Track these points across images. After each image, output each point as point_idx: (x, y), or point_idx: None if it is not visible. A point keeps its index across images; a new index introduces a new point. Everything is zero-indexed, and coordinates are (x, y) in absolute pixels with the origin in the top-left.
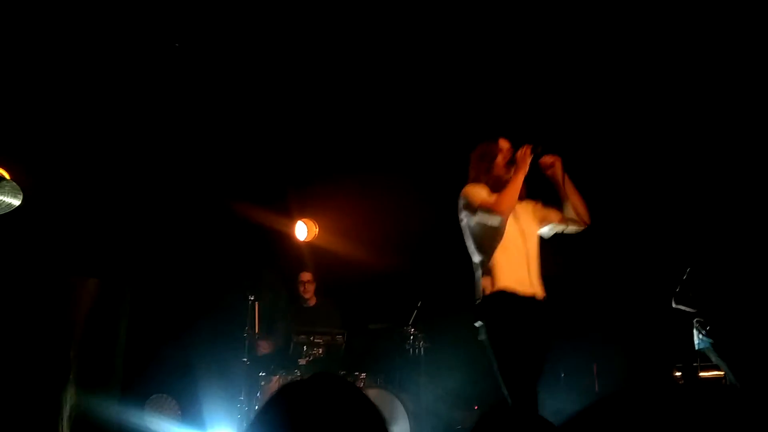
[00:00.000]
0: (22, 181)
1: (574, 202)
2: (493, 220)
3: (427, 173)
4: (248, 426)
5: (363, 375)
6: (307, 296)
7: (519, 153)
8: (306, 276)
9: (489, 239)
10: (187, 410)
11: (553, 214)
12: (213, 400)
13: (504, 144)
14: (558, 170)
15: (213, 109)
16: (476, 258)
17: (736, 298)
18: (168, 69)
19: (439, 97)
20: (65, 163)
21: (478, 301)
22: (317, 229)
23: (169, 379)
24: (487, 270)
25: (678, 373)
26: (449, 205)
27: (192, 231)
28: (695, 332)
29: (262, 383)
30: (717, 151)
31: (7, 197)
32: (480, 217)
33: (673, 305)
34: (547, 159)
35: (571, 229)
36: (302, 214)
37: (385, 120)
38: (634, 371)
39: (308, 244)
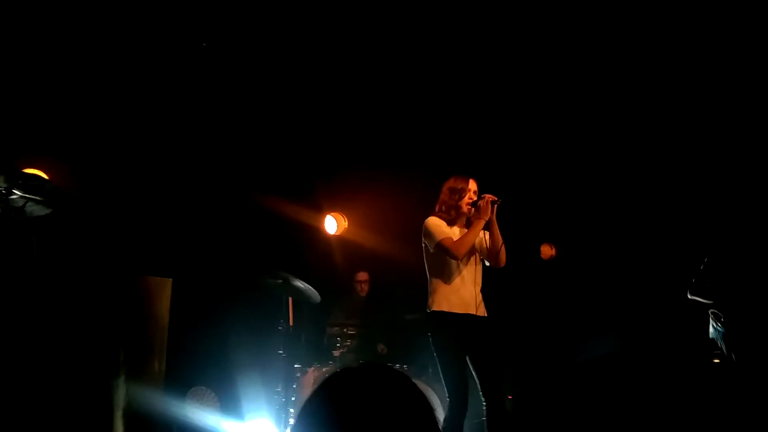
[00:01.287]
0: (63, 181)
1: (494, 245)
2: (451, 257)
3: (455, 164)
4: (298, 413)
5: (396, 366)
6: (363, 294)
7: (482, 202)
8: (363, 276)
9: (441, 267)
10: (225, 402)
11: (484, 248)
12: (251, 392)
13: (473, 185)
14: (489, 212)
15: (244, 105)
16: (428, 276)
17: (753, 290)
18: (199, 67)
19: (467, 89)
20: (104, 163)
21: (426, 312)
22: (347, 223)
23: (208, 372)
24: (433, 290)
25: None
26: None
27: (227, 226)
28: (711, 322)
29: (298, 375)
30: (733, 144)
31: (49, 198)
32: (439, 250)
33: (689, 296)
34: (486, 199)
35: (489, 263)
36: (331, 208)
37: (415, 112)
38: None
39: (338, 238)
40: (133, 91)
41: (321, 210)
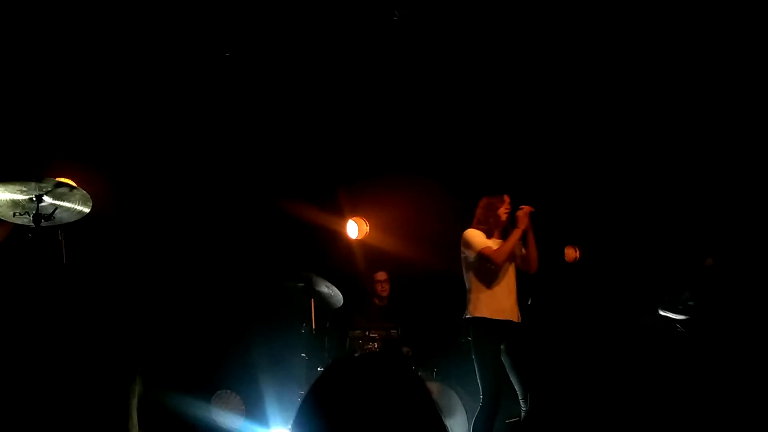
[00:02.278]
0: (91, 188)
1: (531, 252)
2: (490, 265)
3: (473, 171)
4: (302, 398)
5: (420, 369)
6: (384, 294)
7: (520, 213)
8: (382, 275)
9: (480, 275)
10: (250, 405)
11: (519, 256)
12: (274, 395)
13: (507, 199)
14: (527, 222)
15: (267, 111)
16: (467, 285)
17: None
18: (222, 72)
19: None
20: (127, 169)
21: (465, 317)
22: (368, 228)
23: (233, 375)
24: (474, 298)
25: None
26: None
27: (252, 231)
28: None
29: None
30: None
31: (78, 205)
32: (479, 259)
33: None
34: (525, 210)
35: (521, 269)
36: (353, 213)
37: (436, 119)
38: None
39: (360, 242)
40: (161, 99)
41: (343, 215)
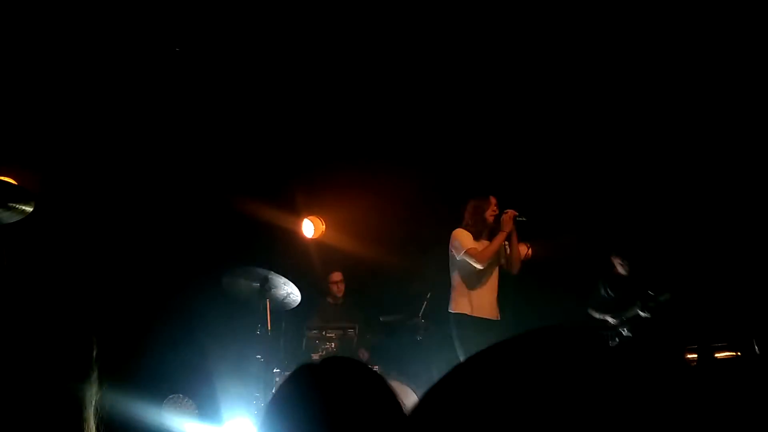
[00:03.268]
0: (32, 187)
1: (514, 254)
2: (475, 265)
3: (434, 168)
4: (267, 404)
5: (376, 367)
6: (339, 295)
7: (504, 217)
8: (337, 276)
9: (466, 274)
10: (204, 409)
11: (504, 257)
12: (229, 398)
13: (493, 200)
14: (511, 225)
15: (218, 106)
16: (452, 281)
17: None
18: (172, 67)
19: (447, 93)
20: (70, 166)
21: (449, 311)
22: (324, 227)
23: (185, 379)
24: (457, 294)
25: (693, 355)
26: (457, 199)
27: (203, 231)
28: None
29: (277, 379)
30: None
31: (20, 204)
32: (465, 258)
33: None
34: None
35: (505, 268)
36: (309, 212)
37: (392, 115)
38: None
39: (315, 241)
40: (109, 92)
41: (299, 214)
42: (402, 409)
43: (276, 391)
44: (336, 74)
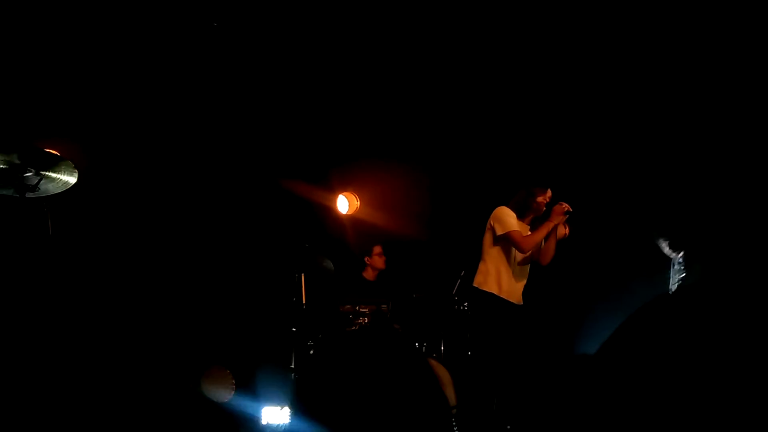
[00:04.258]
0: (77, 159)
1: (549, 247)
2: (517, 249)
3: (467, 146)
4: (300, 374)
5: (416, 345)
6: (382, 267)
7: (557, 208)
8: (378, 248)
9: (501, 253)
10: (240, 380)
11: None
12: (264, 369)
13: (549, 192)
14: (561, 220)
15: (254, 86)
16: (484, 256)
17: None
18: (211, 50)
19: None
20: (116, 140)
21: (474, 286)
22: (359, 203)
23: (222, 350)
24: (486, 270)
25: None
26: (490, 176)
27: (240, 207)
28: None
29: (311, 351)
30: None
31: (64, 175)
32: (505, 239)
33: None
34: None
35: (535, 258)
36: (343, 188)
37: (428, 95)
38: None
39: (350, 217)
40: (154, 71)
41: (333, 189)
42: (440, 387)
43: (311, 361)
44: (373, 51)
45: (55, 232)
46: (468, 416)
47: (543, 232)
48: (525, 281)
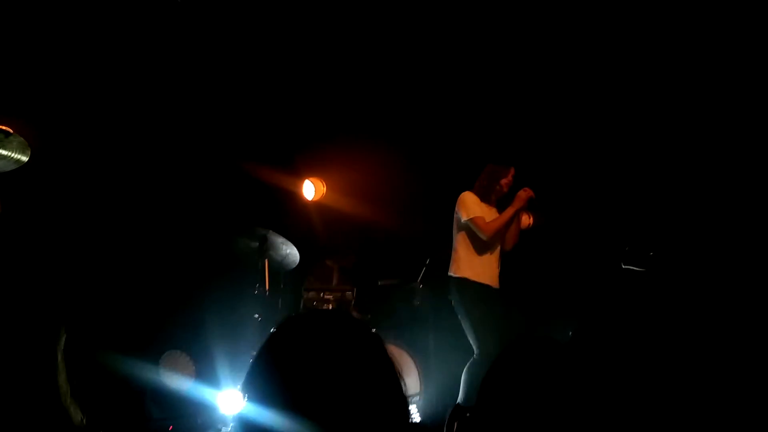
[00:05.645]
0: (29, 136)
1: (512, 232)
2: (480, 234)
3: (435, 132)
4: (255, 356)
5: (373, 330)
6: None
7: (521, 193)
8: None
9: (471, 239)
10: (201, 366)
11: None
12: (226, 356)
13: (512, 171)
14: (524, 205)
15: (220, 67)
16: (454, 243)
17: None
18: (170, 26)
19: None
20: (70, 119)
21: (449, 275)
22: (325, 188)
23: (182, 336)
24: (458, 257)
25: None
26: (459, 163)
27: (202, 192)
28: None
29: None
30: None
31: (16, 153)
32: (469, 225)
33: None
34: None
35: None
36: (310, 173)
37: (396, 77)
38: None
39: (316, 203)
40: (106, 50)
41: (299, 175)
42: (397, 372)
43: (264, 343)
44: (343, 36)
45: (5, 211)
46: (432, 404)
47: (505, 217)
48: (498, 264)
